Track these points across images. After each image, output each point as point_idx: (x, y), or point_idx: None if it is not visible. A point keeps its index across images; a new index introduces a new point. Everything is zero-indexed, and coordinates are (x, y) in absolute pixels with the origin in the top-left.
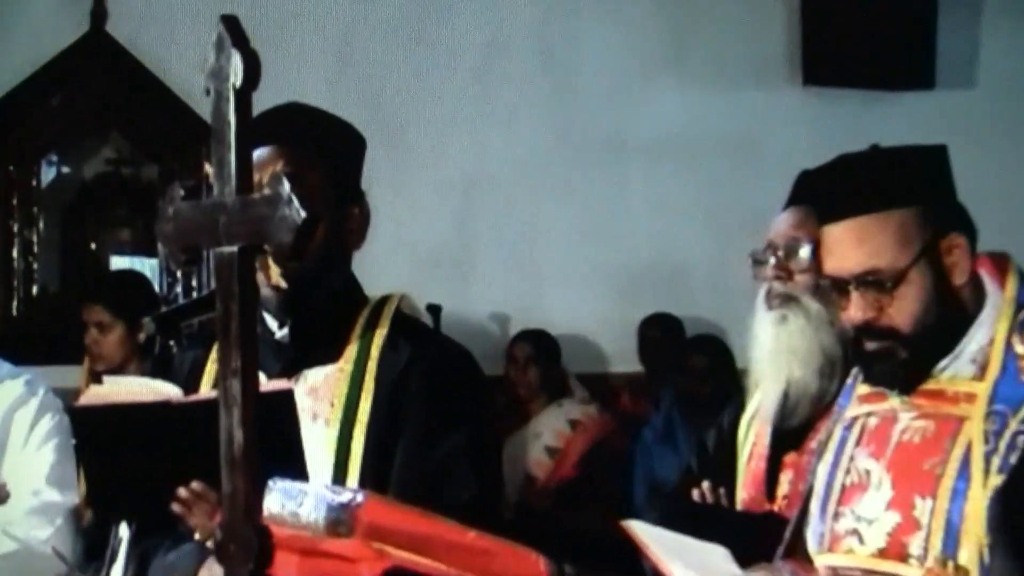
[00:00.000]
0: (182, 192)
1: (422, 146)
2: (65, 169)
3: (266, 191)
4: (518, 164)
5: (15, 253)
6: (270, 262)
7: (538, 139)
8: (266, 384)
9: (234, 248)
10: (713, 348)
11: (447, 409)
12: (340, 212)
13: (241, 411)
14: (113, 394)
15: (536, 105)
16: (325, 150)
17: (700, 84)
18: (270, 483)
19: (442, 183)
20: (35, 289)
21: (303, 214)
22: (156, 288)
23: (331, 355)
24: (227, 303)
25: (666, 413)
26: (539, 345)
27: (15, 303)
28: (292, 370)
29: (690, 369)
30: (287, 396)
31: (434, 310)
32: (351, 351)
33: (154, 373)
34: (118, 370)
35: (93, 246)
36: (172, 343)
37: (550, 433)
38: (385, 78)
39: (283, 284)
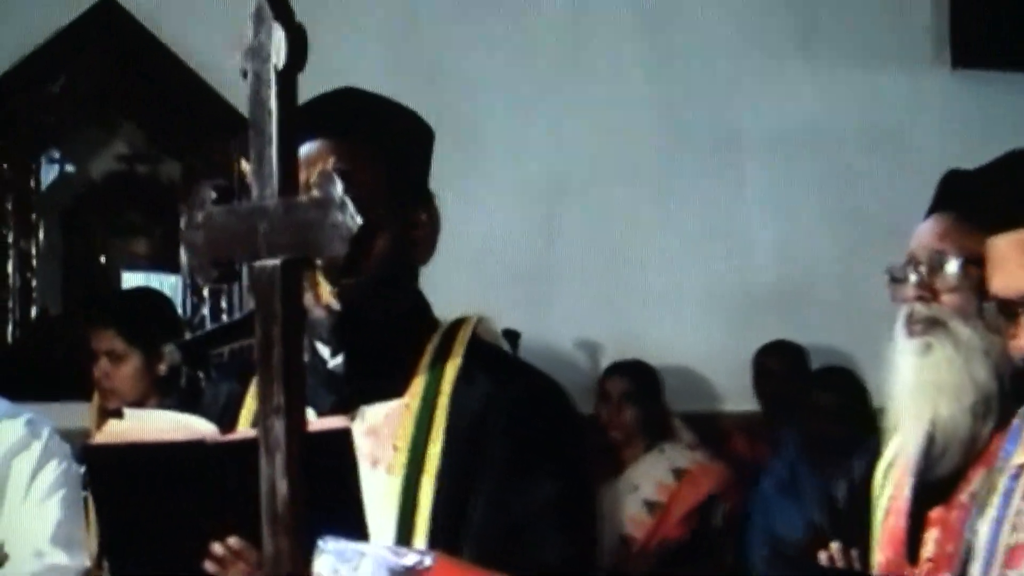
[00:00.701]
0: (213, 194)
1: (497, 142)
2: (68, 167)
3: (315, 192)
4: (612, 164)
5: (10, 268)
6: (320, 278)
7: (637, 134)
8: (317, 422)
9: (276, 261)
10: (843, 383)
11: (534, 454)
12: (404, 218)
13: (285, 457)
14: (135, 431)
15: (634, 93)
16: (386, 144)
17: (832, 67)
18: (321, 543)
19: (521, 186)
20: (34, 311)
21: (359, 220)
22: (178, 310)
23: (394, 389)
24: (268, 327)
25: (788, 460)
26: (637, 379)
27: (10, 328)
28: (347, 407)
29: (816, 407)
30: (342, 436)
31: (511, 336)
32: (418, 384)
33: (180, 410)
34: (134, 407)
35: (103, 259)
36: (200, 375)
37: (650, 484)
38: (454, 60)
39: (336, 305)
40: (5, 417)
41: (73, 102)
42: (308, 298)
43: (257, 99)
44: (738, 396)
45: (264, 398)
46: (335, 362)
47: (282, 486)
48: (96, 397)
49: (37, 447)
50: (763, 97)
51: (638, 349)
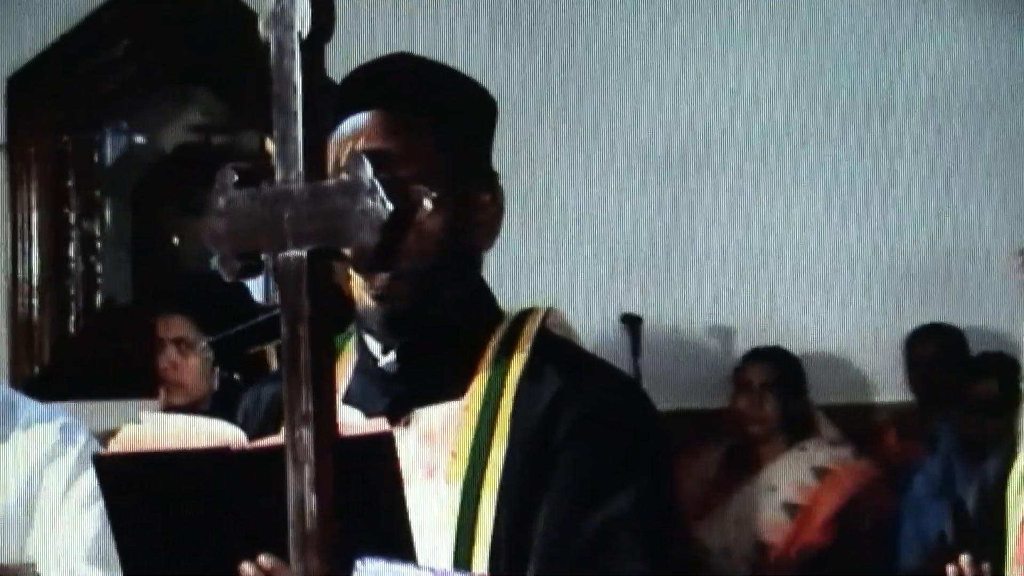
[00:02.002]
0: (236, 177)
1: (613, 108)
2: (137, 139)
3: (343, 176)
4: (744, 131)
5: (71, 252)
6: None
7: (772, 96)
8: (355, 427)
9: (302, 252)
10: (1005, 371)
11: (608, 459)
12: (464, 200)
13: (314, 469)
14: (152, 437)
15: (769, 53)
16: (443, 117)
17: (996, 15)
18: (359, 563)
19: (641, 158)
20: (99, 300)
21: (389, 207)
22: (258, 296)
23: (453, 389)
24: (294, 325)
25: (944, 457)
26: (778, 368)
27: (72, 318)
28: (401, 409)
29: (975, 398)
30: (384, 442)
31: (632, 322)
32: (479, 384)
33: (213, 414)
34: (201, 404)
35: (176, 241)
36: (237, 376)
37: (790, 485)
38: (557, 13)
39: (383, 297)
40: (37, 421)
41: (140, 67)
42: (357, 288)
43: (280, 71)
44: (889, 386)
45: (291, 404)
46: (387, 360)
47: (311, 501)
48: (162, 393)
49: (72, 454)
50: (916, 57)
51: (776, 335)
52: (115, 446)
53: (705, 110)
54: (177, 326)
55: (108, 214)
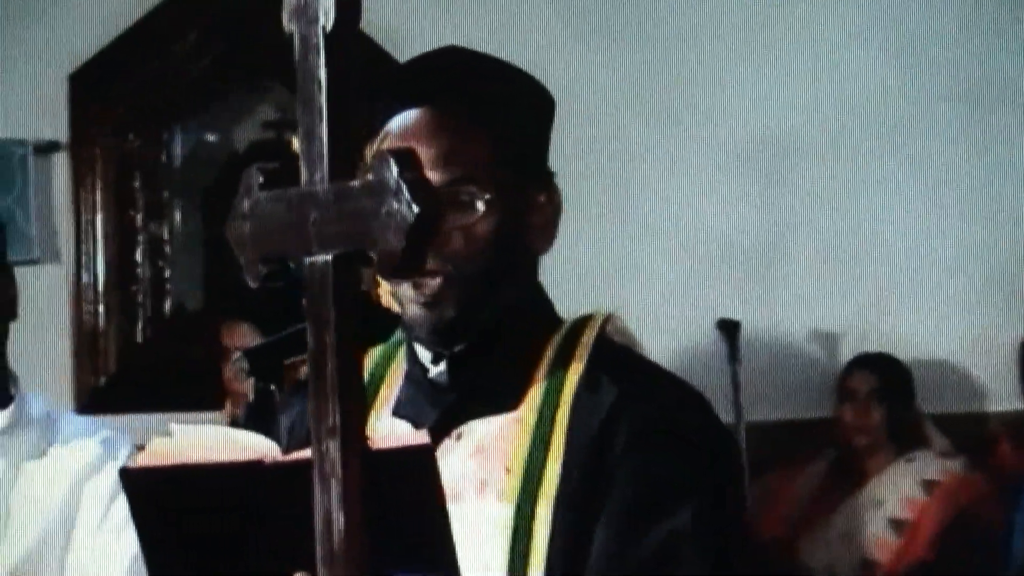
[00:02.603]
0: (261, 178)
1: (705, 101)
2: (208, 136)
3: (368, 176)
4: (845, 122)
5: (138, 256)
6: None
7: (875, 85)
8: (391, 438)
9: (328, 256)
10: None
11: (669, 472)
12: (518, 200)
13: (342, 485)
14: (183, 450)
15: (870, 36)
16: (496, 114)
17: None
18: None
19: (733, 151)
20: (167, 306)
21: (416, 209)
22: None
23: (506, 401)
24: (320, 334)
25: None
26: (885, 375)
27: (140, 325)
28: (452, 421)
29: None
30: (423, 455)
31: (729, 328)
32: (534, 395)
33: (248, 426)
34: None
35: None
36: (273, 387)
37: (896, 499)
38: (638, 7)
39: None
40: (77, 435)
41: (209, 62)
42: (407, 292)
43: (304, 67)
44: (1002, 394)
45: (317, 417)
46: (437, 370)
47: (339, 518)
48: (228, 406)
49: (113, 470)
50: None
51: (883, 340)
52: (144, 459)
53: (801, 103)
54: (241, 333)
55: (177, 216)
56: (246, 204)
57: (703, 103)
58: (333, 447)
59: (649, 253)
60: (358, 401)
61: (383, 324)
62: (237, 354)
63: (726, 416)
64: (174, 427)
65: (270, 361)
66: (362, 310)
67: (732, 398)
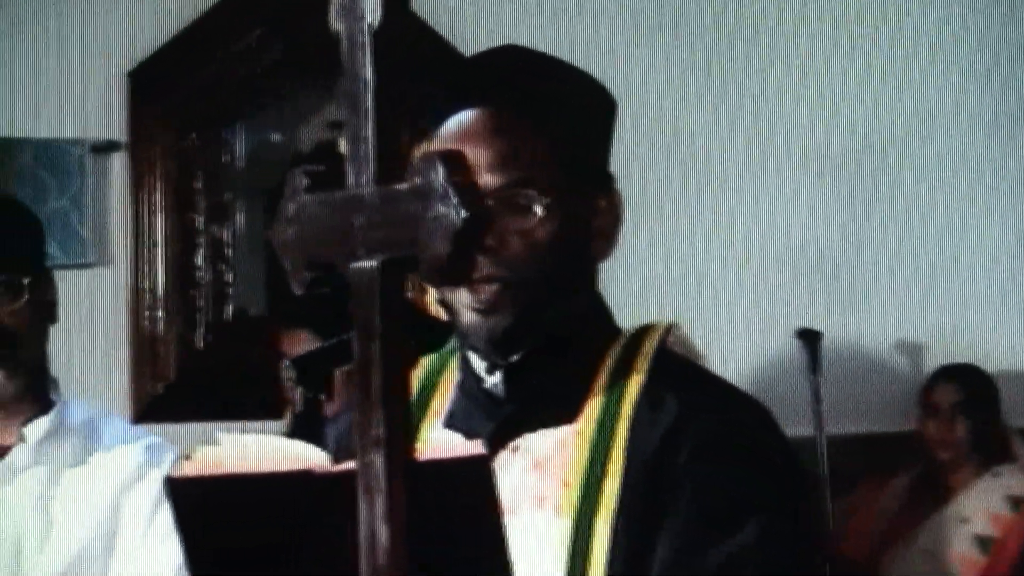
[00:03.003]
0: (306, 181)
1: (777, 102)
2: (272, 136)
3: (415, 179)
4: (930, 124)
5: (199, 259)
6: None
7: (957, 93)
8: (445, 448)
9: (374, 262)
10: None
11: (732, 487)
12: (579, 206)
13: (386, 499)
14: (230, 459)
15: (953, 45)
16: (556, 115)
17: None
18: None
19: (811, 156)
20: (229, 311)
21: (463, 214)
22: None
23: (565, 413)
24: (366, 343)
25: None
26: (970, 387)
27: (200, 331)
28: (509, 434)
29: None
30: (478, 466)
31: (809, 338)
32: (593, 407)
33: (295, 436)
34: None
35: None
36: (322, 396)
37: (982, 516)
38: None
39: (496, 307)
40: (120, 441)
41: (274, 58)
42: (461, 300)
43: (350, 67)
44: None
45: (362, 428)
46: (493, 380)
47: (382, 533)
48: (288, 415)
49: (157, 478)
50: None
51: (969, 351)
52: (189, 468)
53: (885, 104)
54: (300, 341)
55: (239, 218)
56: (291, 208)
57: (779, 107)
58: (378, 459)
59: (723, 260)
60: (404, 412)
61: (432, 333)
62: (285, 362)
63: (806, 429)
64: (220, 435)
65: (318, 370)
66: (409, 318)
67: (812, 410)
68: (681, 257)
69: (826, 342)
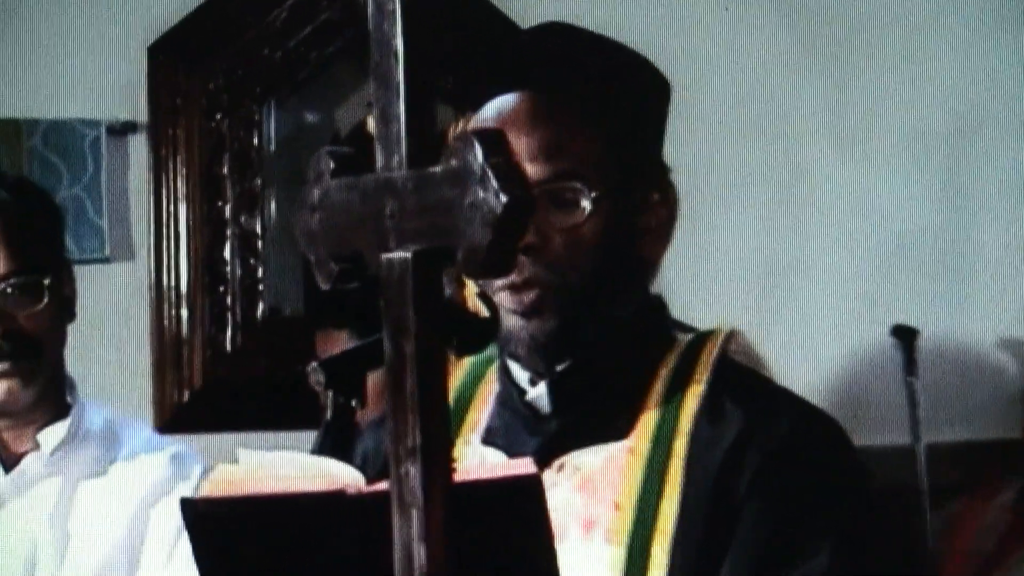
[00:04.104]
0: (332, 164)
1: (874, 77)
2: (308, 116)
3: (452, 162)
4: None
5: (227, 253)
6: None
7: None
8: (489, 467)
9: (407, 253)
10: None
11: (801, 511)
12: (630, 200)
13: (424, 515)
14: (253, 478)
15: None
16: (607, 101)
17: None
18: None
19: (913, 137)
20: (260, 310)
21: (504, 199)
22: None
23: (616, 428)
24: (398, 341)
25: None
26: None
27: (229, 332)
28: (554, 452)
29: None
30: (528, 486)
31: (905, 335)
32: (648, 422)
33: (325, 449)
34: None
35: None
36: (354, 403)
37: None
38: None
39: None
40: (143, 451)
41: (309, 32)
42: (501, 302)
43: (380, 38)
44: None
45: (396, 437)
46: (537, 392)
47: (420, 553)
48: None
49: (185, 491)
50: None
51: None
52: (207, 489)
53: (989, 85)
54: (337, 342)
55: (272, 207)
56: (315, 193)
57: (876, 85)
58: (413, 471)
59: (811, 251)
60: (442, 418)
61: (472, 331)
62: (312, 365)
63: (902, 437)
64: (242, 452)
65: (349, 373)
66: (447, 314)
67: (909, 416)
68: (764, 249)
69: (924, 340)
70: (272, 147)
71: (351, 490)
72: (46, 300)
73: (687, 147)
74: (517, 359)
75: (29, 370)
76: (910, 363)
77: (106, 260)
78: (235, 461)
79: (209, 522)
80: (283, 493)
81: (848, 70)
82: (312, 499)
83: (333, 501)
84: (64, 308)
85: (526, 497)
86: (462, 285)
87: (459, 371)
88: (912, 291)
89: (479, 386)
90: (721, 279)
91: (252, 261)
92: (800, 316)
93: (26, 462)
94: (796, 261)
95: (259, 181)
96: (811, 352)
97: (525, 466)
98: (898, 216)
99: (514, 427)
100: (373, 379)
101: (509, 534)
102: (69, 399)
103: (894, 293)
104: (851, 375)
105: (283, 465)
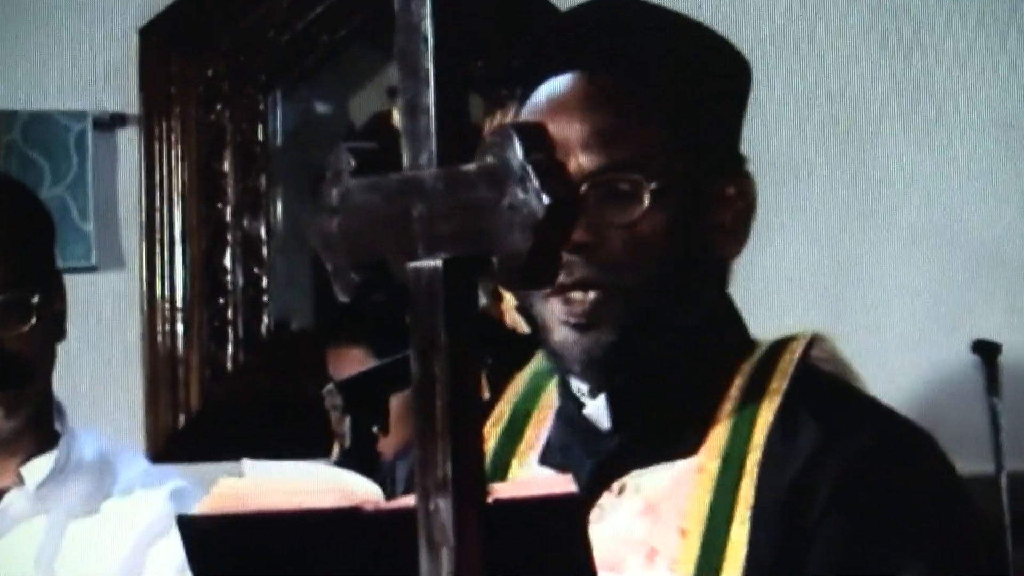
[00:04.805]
0: (353, 162)
1: (957, 58)
2: (319, 106)
3: (488, 159)
4: None
5: (227, 260)
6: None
7: None
8: (523, 483)
9: (437, 261)
10: None
11: (885, 536)
12: (699, 193)
13: (456, 555)
14: (259, 493)
15: None
16: (676, 83)
17: None
18: None
19: (1001, 125)
20: (266, 323)
21: (546, 200)
22: None
23: (682, 445)
24: (426, 359)
25: None
26: None
27: (230, 349)
28: (614, 471)
29: None
30: (567, 507)
31: (986, 351)
32: (718, 438)
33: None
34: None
35: None
36: (375, 429)
37: None
38: None
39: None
40: (140, 485)
41: (320, 12)
42: (551, 312)
43: (406, 19)
44: None
45: (423, 465)
46: (595, 405)
47: None
48: (336, 452)
49: None
50: None
51: None
52: (209, 505)
53: None
54: (352, 360)
55: (278, 209)
56: (335, 195)
57: (959, 66)
58: (443, 506)
59: (887, 252)
60: (476, 446)
61: (508, 349)
62: (329, 387)
63: (983, 464)
64: (246, 464)
65: (371, 396)
66: (481, 329)
67: (990, 440)
68: (831, 251)
69: (1007, 356)
70: (278, 141)
71: (369, 506)
72: (34, 320)
73: (753, 138)
74: (572, 374)
75: (14, 397)
76: (992, 382)
77: (92, 269)
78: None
79: (211, 542)
80: (293, 509)
81: (927, 53)
82: (325, 516)
83: (349, 518)
84: (53, 326)
85: (564, 519)
86: (499, 297)
87: (517, 382)
88: (995, 301)
89: (539, 400)
90: (782, 284)
91: (256, 269)
92: (869, 326)
93: (8, 499)
94: (866, 265)
95: (264, 179)
96: (880, 367)
97: (564, 483)
98: (981, 217)
99: (571, 445)
100: (395, 402)
101: (544, 562)
102: (58, 427)
103: (975, 303)
104: (926, 394)
105: (293, 477)
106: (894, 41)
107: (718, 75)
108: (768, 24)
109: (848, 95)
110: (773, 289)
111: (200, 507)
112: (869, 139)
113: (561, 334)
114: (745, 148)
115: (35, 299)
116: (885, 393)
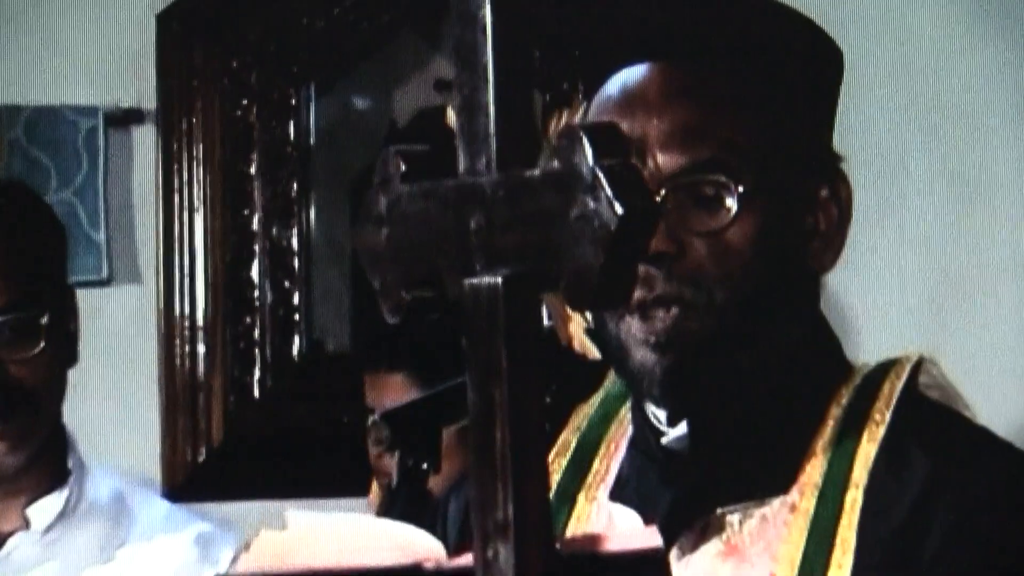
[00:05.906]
0: (404, 166)
1: None
2: (357, 102)
3: (554, 163)
4: None
5: (255, 273)
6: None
7: None
8: (600, 536)
9: (496, 277)
10: None
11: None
12: (790, 197)
13: None
14: (302, 548)
15: None
16: (765, 77)
17: None
18: None
19: None
20: (298, 345)
21: (620, 210)
22: None
23: (772, 480)
24: (485, 387)
25: None
26: None
27: (257, 372)
28: (695, 509)
29: None
30: (653, 564)
31: None
32: (813, 472)
33: (393, 512)
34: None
35: None
36: (425, 464)
37: None
38: None
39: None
40: (161, 530)
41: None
42: (629, 331)
43: (462, 7)
44: None
45: (481, 507)
46: (675, 433)
47: None
48: (375, 490)
49: None
50: None
51: None
52: (247, 563)
53: None
54: (393, 388)
55: (311, 217)
56: (382, 203)
57: None
58: (504, 553)
59: (998, 261)
60: (540, 485)
61: (579, 376)
62: (374, 418)
63: None
64: (290, 515)
65: (419, 428)
66: (547, 354)
67: None
68: (937, 260)
69: None
70: (312, 140)
71: (430, 564)
72: (43, 343)
73: (844, 135)
74: (652, 399)
75: (19, 430)
76: None
77: (104, 283)
78: (281, 527)
79: None
80: (344, 568)
81: None
82: (380, 575)
83: None
84: (64, 350)
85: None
86: (566, 318)
87: (584, 409)
88: None
89: (609, 428)
90: (882, 296)
91: (286, 284)
92: (978, 342)
93: (12, 543)
94: (975, 275)
95: (295, 183)
96: (990, 388)
97: (648, 537)
98: None
99: (648, 476)
100: (445, 433)
101: None
102: (68, 462)
103: None
104: None
105: (343, 531)
106: (1009, 29)
107: (810, 63)
108: (877, 8)
109: (958, 88)
110: (871, 300)
111: (239, 566)
112: (980, 136)
113: (640, 355)
114: (846, 144)
115: (44, 319)
116: (994, 417)
